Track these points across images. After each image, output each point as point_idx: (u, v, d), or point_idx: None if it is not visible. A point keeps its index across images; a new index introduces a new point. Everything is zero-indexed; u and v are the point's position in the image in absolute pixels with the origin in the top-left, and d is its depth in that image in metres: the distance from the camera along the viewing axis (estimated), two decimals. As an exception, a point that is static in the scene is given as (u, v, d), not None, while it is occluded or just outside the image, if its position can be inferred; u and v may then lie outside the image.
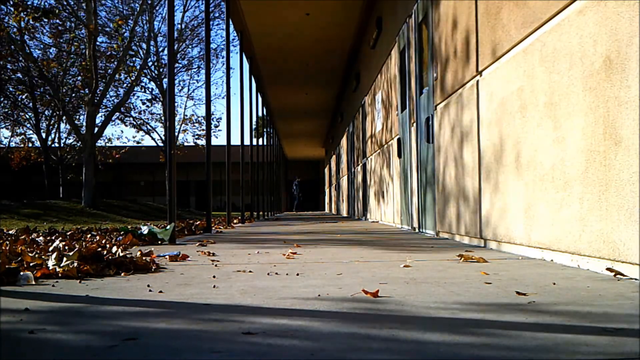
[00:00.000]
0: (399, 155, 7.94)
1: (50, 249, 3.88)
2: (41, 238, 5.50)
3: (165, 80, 23.53)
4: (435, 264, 3.18)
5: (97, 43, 20.69)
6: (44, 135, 27.12)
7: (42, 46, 24.13)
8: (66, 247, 3.97)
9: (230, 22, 11.78)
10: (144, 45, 24.18)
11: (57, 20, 21.65)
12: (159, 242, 5.23)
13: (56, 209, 18.55)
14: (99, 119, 21.58)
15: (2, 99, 25.34)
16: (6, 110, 26.49)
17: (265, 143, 18.29)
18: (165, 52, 24.71)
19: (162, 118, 28.42)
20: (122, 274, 2.85)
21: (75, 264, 2.84)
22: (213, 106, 55.67)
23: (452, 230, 5.22)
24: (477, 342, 1.39)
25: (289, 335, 1.50)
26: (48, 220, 15.82)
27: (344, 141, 18.74)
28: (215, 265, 3.24)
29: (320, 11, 11.66)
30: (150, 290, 2.31)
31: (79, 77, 23.44)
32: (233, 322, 1.69)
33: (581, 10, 2.78)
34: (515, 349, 1.32)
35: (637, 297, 1.99)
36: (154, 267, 3.08)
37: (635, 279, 2.35)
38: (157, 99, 26.88)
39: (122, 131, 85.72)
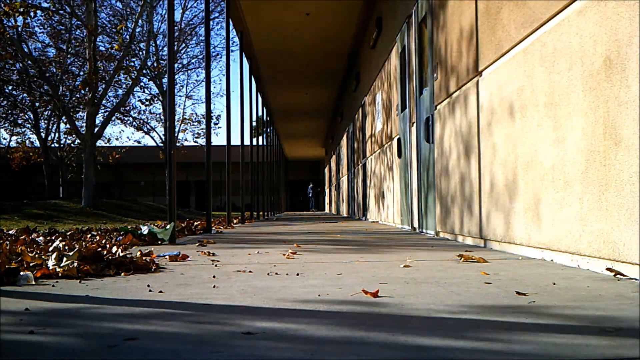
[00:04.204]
0: (399, 155, 7.94)
1: (50, 249, 3.88)
2: (41, 238, 5.50)
3: (165, 80, 23.56)
4: (436, 264, 3.18)
5: (97, 43, 20.72)
6: (43, 135, 27.13)
7: (40, 46, 24.19)
8: (66, 247, 3.97)
9: (231, 22, 11.78)
10: (144, 45, 24.20)
11: (54, 21, 21.68)
12: (159, 242, 5.23)
13: (56, 209, 18.55)
14: (98, 119, 21.60)
15: (1, 100, 25.35)
16: (6, 110, 26.49)
17: (265, 143, 18.29)
18: (165, 51, 24.78)
19: (162, 118, 28.45)
20: (122, 274, 2.85)
21: (75, 264, 2.83)
22: (212, 104, 55.65)
23: (452, 230, 5.22)
24: (477, 343, 1.39)
25: (289, 335, 1.50)
26: (48, 220, 15.82)
27: (344, 141, 18.75)
28: (215, 265, 3.24)
29: (320, 11, 11.67)
30: (150, 291, 2.31)
31: (79, 78, 23.45)
32: (233, 322, 1.69)
33: (581, 10, 2.78)
34: (515, 349, 1.32)
35: (637, 297, 1.99)
36: (154, 267, 3.07)
37: (635, 279, 2.35)
38: (157, 99, 26.90)
39: (122, 131, 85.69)
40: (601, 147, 2.58)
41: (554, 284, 2.33)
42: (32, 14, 13.30)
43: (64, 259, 2.95)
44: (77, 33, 22.23)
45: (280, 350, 1.35)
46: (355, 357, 1.27)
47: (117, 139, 33.99)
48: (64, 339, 1.51)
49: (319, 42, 13.70)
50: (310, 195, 41.17)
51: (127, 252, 3.90)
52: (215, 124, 31.30)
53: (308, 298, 2.07)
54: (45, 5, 18.98)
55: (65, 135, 27.89)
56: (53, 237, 5.68)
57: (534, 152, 3.32)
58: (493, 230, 4.07)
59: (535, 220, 3.33)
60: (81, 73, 23.66)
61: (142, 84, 25.53)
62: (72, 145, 27.90)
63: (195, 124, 30.19)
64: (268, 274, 2.81)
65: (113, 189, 39.51)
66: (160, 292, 2.27)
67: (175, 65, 26.25)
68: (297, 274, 2.77)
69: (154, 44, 25.14)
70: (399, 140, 7.95)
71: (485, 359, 1.25)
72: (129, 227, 8.05)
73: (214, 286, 2.39)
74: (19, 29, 20.77)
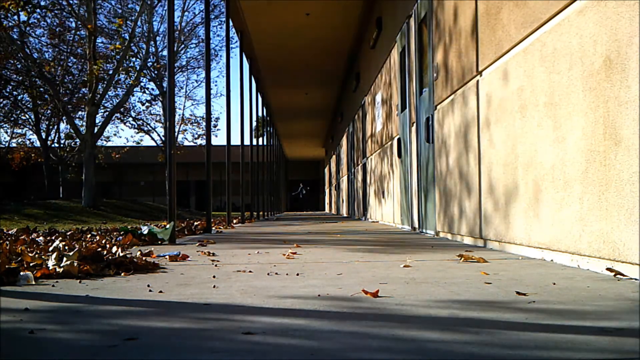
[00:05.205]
0: (399, 155, 7.94)
1: (50, 249, 3.88)
2: (41, 238, 5.50)
3: (165, 80, 23.57)
4: (435, 264, 3.18)
5: (97, 44, 20.72)
6: (43, 135, 27.14)
7: (39, 46, 24.20)
8: (66, 247, 3.97)
9: (231, 22, 11.78)
10: (143, 46, 24.21)
11: (56, 20, 21.68)
12: (159, 242, 5.23)
13: (56, 209, 18.55)
14: (98, 119, 21.61)
15: (1, 100, 25.35)
16: (6, 110, 26.49)
17: (265, 143, 18.29)
18: (165, 52, 24.78)
19: (162, 118, 28.47)
20: (122, 274, 2.85)
21: (75, 264, 2.83)
22: (212, 105, 55.97)
23: (452, 230, 5.22)
24: (477, 342, 1.39)
25: (289, 335, 1.50)
26: (48, 220, 15.82)
27: (344, 141, 18.74)
28: (215, 265, 3.24)
29: (321, 11, 11.66)
30: (150, 290, 2.31)
31: (79, 79, 23.46)
32: (233, 322, 1.69)
33: (581, 10, 2.78)
34: (515, 349, 1.32)
35: (637, 297, 1.99)
36: (153, 267, 3.07)
37: (635, 279, 2.35)
38: (157, 99, 26.92)
39: (122, 129, 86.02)
40: (601, 147, 2.58)
41: (554, 284, 2.33)
42: (28, 9, 13.28)
43: (64, 259, 2.95)
44: (80, 33, 22.25)
45: (280, 349, 1.35)
46: (356, 356, 1.27)
47: (115, 134, 34.04)
48: (64, 339, 1.51)
49: (319, 42, 13.70)
50: (301, 194, 42.04)
51: (127, 252, 3.90)
52: (214, 125, 31.33)
53: (308, 298, 2.07)
54: (43, 3, 18.96)
55: (65, 139, 27.92)
56: (53, 237, 5.68)
57: (534, 152, 3.32)
58: (493, 230, 4.07)
59: (535, 220, 3.33)
60: (81, 74, 23.66)
61: (142, 84, 25.54)
62: (72, 145, 27.92)
63: (195, 125, 30.24)
64: (268, 274, 2.81)
65: (113, 189, 39.51)
66: (160, 292, 2.27)
67: (175, 65, 26.25)
68: (297, 274, 2.77)
69: (153, 44, 25.16)
70: (399, 140, 7.95)
71: (484, 354, 1.25)
72: (129, 227, 8.05)
73: (214, 286, 2.40)
74: (22, 27, 20.78)
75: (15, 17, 20.39)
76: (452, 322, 1.62)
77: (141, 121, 28.57)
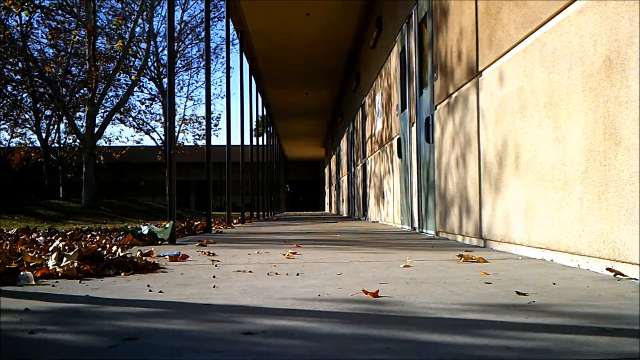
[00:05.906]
0: (399, 155, 7.94)
1: (50, 249, 3.88)
2: (41, 238, 5.50)
3: (165, 80, 23.56)
4: (435, 264, 3.18)
5: (97, 44, 20.73)
6: (44, 135, 27.14)
7: (40, 47, 24.22)
8: (66, 247, 3.97)
9: (231, 22, 11.78)
10: (144, 45, 24.21)
11: (54, 23, 21.69)
12: (159, 242, 5.23)
13: (56, 209, 18.55)
14: (98, 119, 21.61)
15: (1, 100, 25.36)
16: (5, 110, 26.50)
17: (265, 143, 18.29)
18: (165, 52, 24.79)
19: (162, 118, 28.48)
20: (122, 274, 2.85)
21: (75, 264, 2.84)
22: (212, 105, 56.15)
23: (452, 230, 5.22)
24: (477, 343, 1.39)
25: (289, 335, 1.50)
26: (48, 220, 15.82)
27: (344, 141, 18.74)
28: (215, 265, 3.24)
29: (320, 11, 11.66)
30: (150, 290, 2.31)
31: (79, 77, 23.47)
32: (233, 322, 1.69)
33: (581, 10, 2.78)
34: (515, 349, 1.32)
35: (637, 297, 1.99)
36: (153, 267, 3.07)
37: (635, 279, 2.35)
38: (157, 99, 26.92)
39: (122, 130, 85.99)
40: (601, 147, 2.58)
41: (554, 284, 2.33)
42: (29, 9, 13.27)
43: (64, 259, 2.95)
44: (81, 33, 22.25)
45: (280, 349, 1.35)
46: (356, 357, 1.27)
47: (117, 139, 34.08)
48: (64, 339, 1.51)
49: (319, 42, 13.70)
50: (291, 195, 43.57)
51: (127, 252, 3.90)
52: (215, 125, 31.34)
53: (308, 298, 2.07)
54: (45, 3, 18.96)
55: (66, 135, 27.92)
56: (53, 237, 5.68)
57: (534, 152, 3.32)
58: (493, 230, 4.07)
59: (535, 220, 3.33)
60: (81, 74, 23.67)
61: (141, 84, 25.55)
62: (72, 145, 27.93)
63: (196, 125, 30.26)
64: (268, 274, 2.81)
65: (113, 189, 39.51)
66: (160, 292, 2.27)
67: (176, 65, 26.26)
68: (297, 274, 2.77)
69: (154, 44, 25.16)
70: (399, 140, 7.95)
71: (484, 356, 1.25)
72: (129, 227, 8.05)
73: (214, 286, 2.39)
74: (22, 27, 20.80)
75: (17, 17, 20.41)
76: (453, 323, 1.62)
77: (141, 121, 28.59)
